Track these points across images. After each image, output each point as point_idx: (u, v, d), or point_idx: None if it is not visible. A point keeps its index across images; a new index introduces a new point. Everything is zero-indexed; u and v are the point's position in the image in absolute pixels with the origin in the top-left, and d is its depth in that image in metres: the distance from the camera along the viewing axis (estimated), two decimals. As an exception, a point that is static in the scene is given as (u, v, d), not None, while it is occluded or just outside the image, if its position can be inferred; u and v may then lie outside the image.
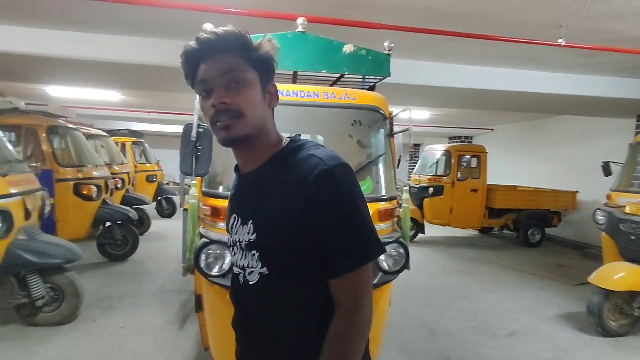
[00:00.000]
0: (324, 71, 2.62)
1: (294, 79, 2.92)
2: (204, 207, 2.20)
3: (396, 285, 2.60)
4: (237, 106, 0.86)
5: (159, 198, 9.72)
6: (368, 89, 3.08)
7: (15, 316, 3.60)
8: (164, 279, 5.12)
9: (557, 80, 5.44)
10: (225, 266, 2.04)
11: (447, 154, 7.96)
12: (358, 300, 0.85)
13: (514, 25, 3.69)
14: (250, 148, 0.93)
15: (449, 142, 12.34)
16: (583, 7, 3.26)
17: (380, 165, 2.45)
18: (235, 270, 0.99)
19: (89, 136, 6.84)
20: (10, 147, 4.02)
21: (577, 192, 7.95)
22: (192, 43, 0.87)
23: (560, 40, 3.71)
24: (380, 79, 2.88)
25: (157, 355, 3.21)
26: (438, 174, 8.04)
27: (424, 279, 5.50)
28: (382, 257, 2.18)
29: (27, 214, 3.62)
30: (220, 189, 2.26)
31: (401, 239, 2.23)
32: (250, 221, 0.92)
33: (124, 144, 9.37)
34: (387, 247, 2.19)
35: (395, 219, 2.38)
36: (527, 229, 7.89)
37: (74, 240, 5.41)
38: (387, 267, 2.17)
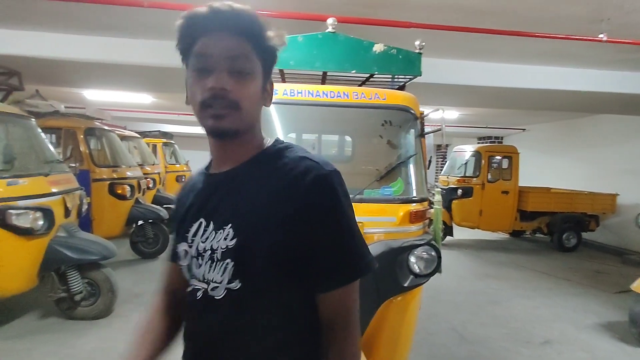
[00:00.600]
0: (353, 71, 2.60)
1: (323, 79, 2.92)
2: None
3: (424, 288, 2.54)
4: (236, 97, 0.76)
5: (188, 198, 9.94)
6: (397, 89, 3.04)
7: (55, 310, 3.77)
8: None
9: (597, 77, 5.20)
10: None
11: (477, 154, 7.75)
12: (347, 317, 0.79)
13: (550, 20, 3.55)
14: (234, 144, 0.82)
15: (478, 143, 12.03)
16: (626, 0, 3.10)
17: (411, 166, 2.40)
18: (195, 285, 0.83)
19: (122, 138, 7.09)
20: (51, 148, 4.22)
21: (617, 195, 7.56)
22: (203, 9, 0.74)
23: (601, 36, 3.54)
24: (411, 79, 2.83)
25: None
26: (467, 175, 7.85)
27: (453, 283, 5.37)
28: (412, 259, 2.14)
29: (67, 212, 3.79)
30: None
31: (433, 242, 2.18)
32: (229, 225, 0.78)
33: (155, 145, 9.66)
34: (418, 250, 2.15)
35: (427, 221, 2.33)
36: (561, 233, 7.57)
37: (108, 238, 5.61)
38: (418, 270, 2.13)
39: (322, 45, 2.55)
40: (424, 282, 2.18)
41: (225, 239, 0.78)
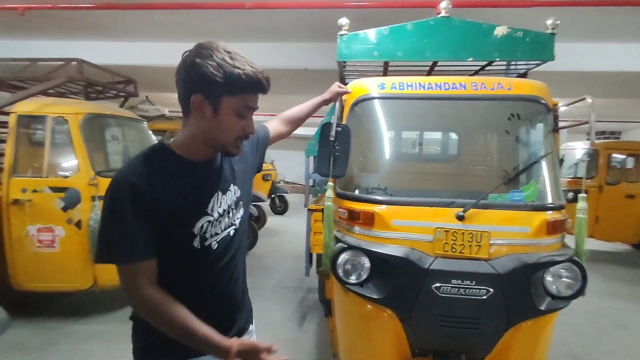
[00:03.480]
0: (470, 59, 2.31)
1: (430, 70, 2.66)
2: (339, 210, 2.10)
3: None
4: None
5: (273, 196, 10.26)
6: (518, 77, 2.68)
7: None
8: (281, 275, 5.30)
9: None
10: (364, 274, 1.90)
11: (594, 152, 6.73)
12: None
13: None
14: None
15: (589, 138, 10.53)
16: None
17: (545, 167, 2.05)
18: (221, 235, 1.17)
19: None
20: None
21: None
22: (259, 75, 1.07)
23: None
24: (537, 65, 2.44)
25: (282, 352, 3.27)
26: (579, 176, 6.85)
27: (568, 300, 4.68)
28: (549, 278, 1.81)
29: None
30: (357, 191, 2.14)
31: (575, 258, 1.82)
32: (232, 185, 1.23)
33: (244, 144, 10.11)
34: (556, 268, 1.81)
35: (564, 233, 1.96)
36: None
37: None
38: (555, 291, 1.79)
39: (434, 33, 2.31)
40: (564, 307, 1.83)
41: (234, 194, 1.23)
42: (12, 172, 3.31)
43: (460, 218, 1.83)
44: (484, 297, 1.74)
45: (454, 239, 1.81)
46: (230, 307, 1.26)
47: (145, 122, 4.46)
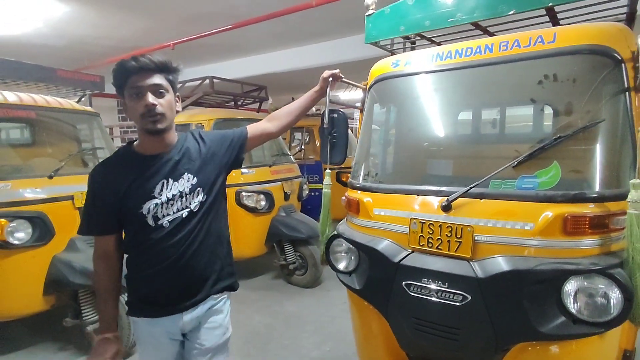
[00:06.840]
0: (511, 12, 1.84)
1: (487, 33, 2.20)
2: (343, 198, 2.06)
3: None
4: (161, 109, 1.33)
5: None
6: (626, 22, 1.93)
7: (280, 273, 4.68)
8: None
9: None
10: (351, 263, 1.84)
11: None
12: None
13: None
14: (163, 137, 1.39)
15: None
16: None
17: (592, 141, 1.45)
18: (172, 216, 1.38)
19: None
20: (282, 144, 5.21)
21: None
22: (132, 62, 1.29)
23: None
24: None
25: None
26: None
27: None
28: (568, 290, 1.31)
29: (286, 196, 4.60)
30: (360, 179, 2.04)
31: (614, 271, 1.26)
32: (186, 173, 1.41)
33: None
34: (583, 280, 1.30)
35: (615, 235, 1.36)
36: None
37: (336, 220, 6.38)
38: (574, 311, 1.29)
39: (463, -12, 1.94)
40: (591, 335, 1.30)
41: (188, 181, 1.41)
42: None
43: (445, 208, 1.54)
44: (458, 303, 1.43)
45: (430, 232, 1.54)
46: (185, 279, 1.42)
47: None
